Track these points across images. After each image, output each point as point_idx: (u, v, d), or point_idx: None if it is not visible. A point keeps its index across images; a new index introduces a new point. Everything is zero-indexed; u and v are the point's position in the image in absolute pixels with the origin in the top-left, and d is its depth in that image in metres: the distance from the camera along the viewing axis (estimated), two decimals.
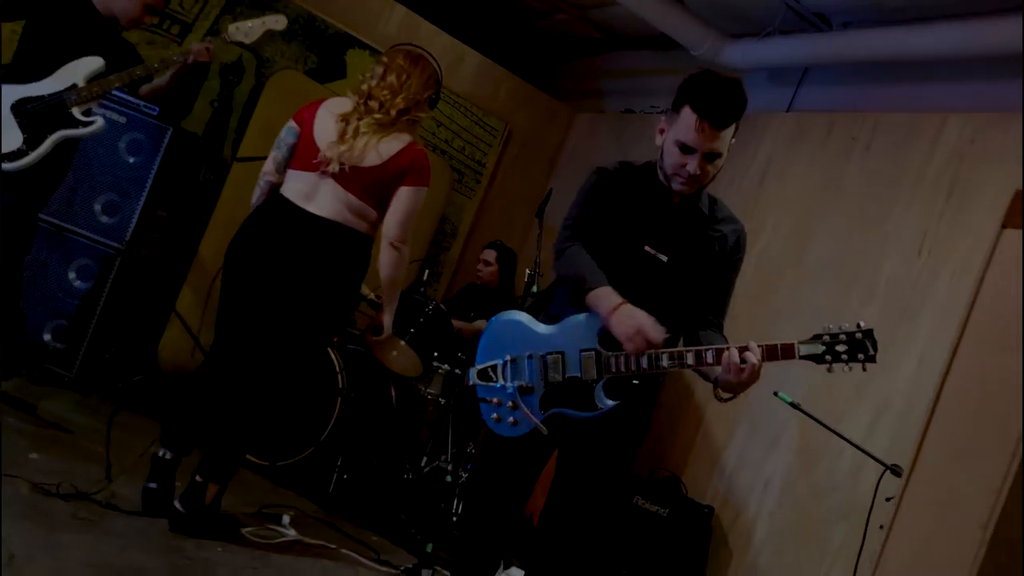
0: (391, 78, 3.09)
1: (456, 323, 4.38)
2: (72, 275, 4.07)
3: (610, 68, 6.50)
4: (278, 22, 3.49)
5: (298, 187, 3.05)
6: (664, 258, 2.42)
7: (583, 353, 2.36)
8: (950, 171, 3.96)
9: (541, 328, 2.45)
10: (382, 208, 3.07)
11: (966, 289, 3.58)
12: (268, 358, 3.03)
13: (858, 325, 2.12)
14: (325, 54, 5.16)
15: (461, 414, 4.20)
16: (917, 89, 4.61)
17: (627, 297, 2.32)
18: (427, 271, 4.43)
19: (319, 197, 3.01)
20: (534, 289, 3.78)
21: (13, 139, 3.21)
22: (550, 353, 2.40)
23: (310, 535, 3.37)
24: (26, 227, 3.47)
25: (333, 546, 3.34)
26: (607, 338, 2.33)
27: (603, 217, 2.44)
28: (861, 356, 2.08)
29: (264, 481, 3.87)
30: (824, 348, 2.12)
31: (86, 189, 4.08)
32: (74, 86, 3.28)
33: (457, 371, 4.24)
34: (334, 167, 2.98)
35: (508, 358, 2.46)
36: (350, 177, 2.99)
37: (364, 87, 3.11)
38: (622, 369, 2.30)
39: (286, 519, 3.37)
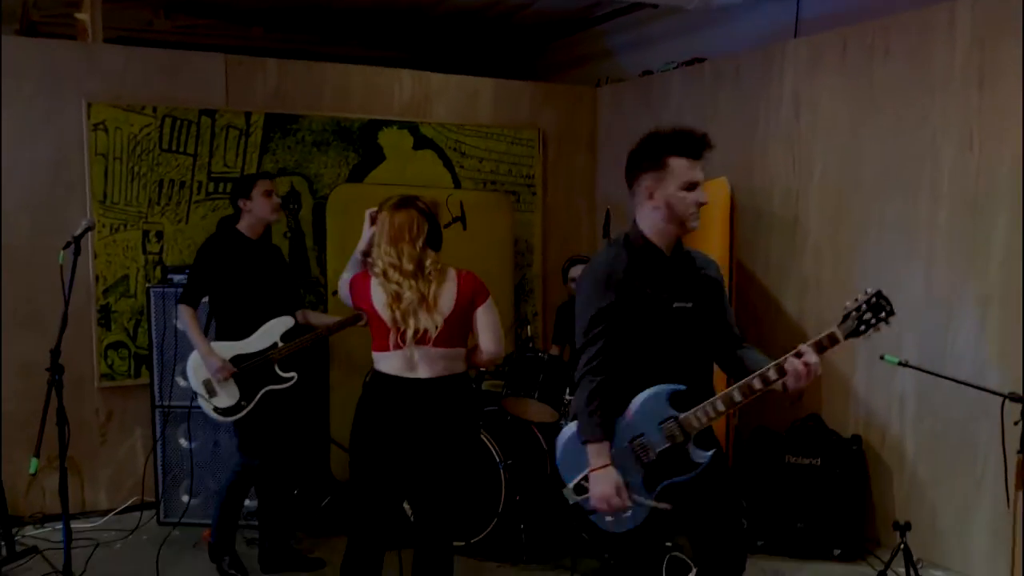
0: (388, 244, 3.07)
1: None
2: None
3: (616, 33, 6.65)
4: None
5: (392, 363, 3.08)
6: (690, 304, 2.63)
7: (662, 425, 2.53)
8: (975, 59, 4.02)
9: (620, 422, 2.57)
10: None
11: None
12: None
13: (866, 291, 2.40)
14: (361, 146, 5.46)
15: None
16: None
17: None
18: (528, 326, 4.73)
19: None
20: None
21: (231, 394, 3.82)
22: (634, 439, 2.55)
23: None
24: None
25: None
26: (676, 399, 2.52)
27: (626, 303, 2.58)
28: (883, 314, 2.38)
29: (467, 559, 4.33)
30: (857, 322, 2.39)
31: None
32: (275, 344, 3.86)
33: None
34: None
35: None
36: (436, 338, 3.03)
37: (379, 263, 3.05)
38: (703, 421, 2.52)
39: None
